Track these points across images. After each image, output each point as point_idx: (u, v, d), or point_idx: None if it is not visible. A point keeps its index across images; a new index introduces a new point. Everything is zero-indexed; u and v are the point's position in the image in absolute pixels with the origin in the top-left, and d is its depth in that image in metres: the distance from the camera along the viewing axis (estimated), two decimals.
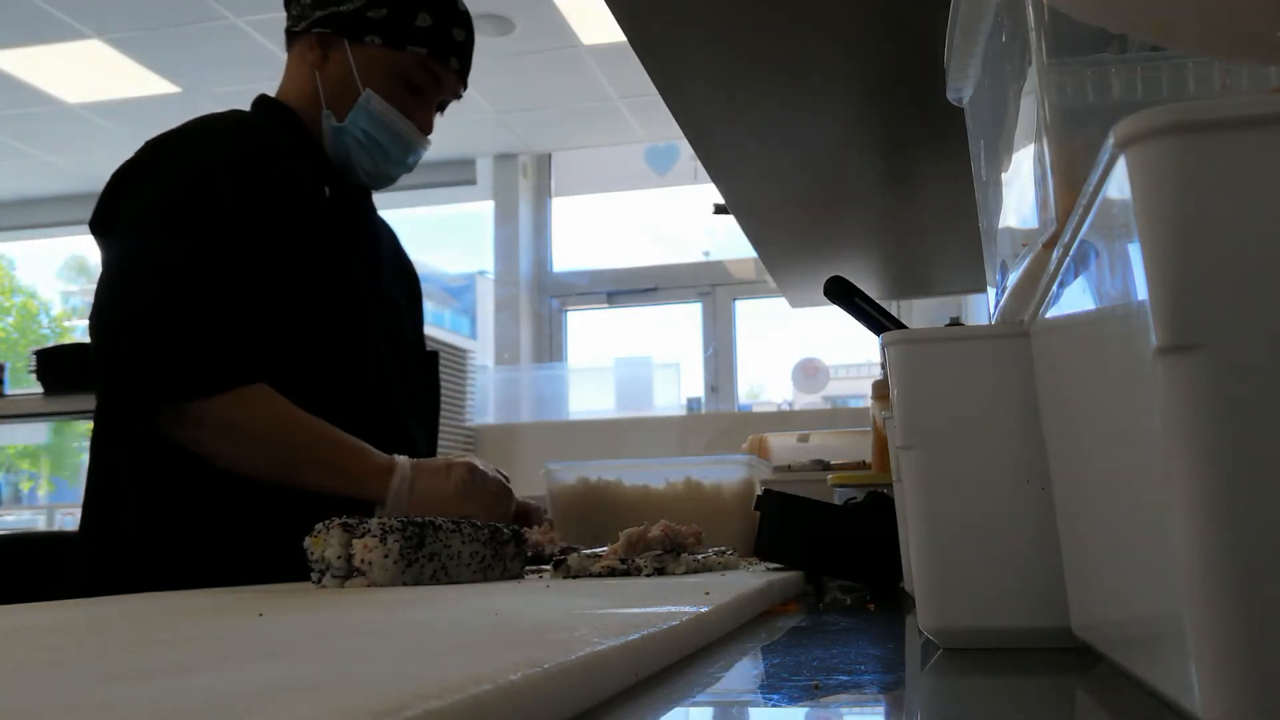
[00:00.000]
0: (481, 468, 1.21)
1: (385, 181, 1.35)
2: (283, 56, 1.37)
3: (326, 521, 0.82)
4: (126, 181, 1.18)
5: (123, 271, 1.13)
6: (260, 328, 1.13)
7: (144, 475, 1.16)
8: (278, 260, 1.16)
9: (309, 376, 1.16)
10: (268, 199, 1.18)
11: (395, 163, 1.32)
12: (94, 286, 1.15)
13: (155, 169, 1.17)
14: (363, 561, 0.80)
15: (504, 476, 1.26)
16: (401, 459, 1.17)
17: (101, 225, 1.18)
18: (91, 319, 1.11)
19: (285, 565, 0.95)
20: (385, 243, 1.41)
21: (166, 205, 1.13)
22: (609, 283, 5.24)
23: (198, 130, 1.22)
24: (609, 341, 5.46)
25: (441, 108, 1.36)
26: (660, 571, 0.93)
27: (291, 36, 1.32)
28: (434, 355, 1.49)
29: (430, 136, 1.35)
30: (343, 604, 0.63)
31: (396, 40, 1.27)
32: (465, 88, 1.37)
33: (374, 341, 1.28)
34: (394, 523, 0.82)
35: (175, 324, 1.07)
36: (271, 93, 1.34)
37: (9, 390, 3.29)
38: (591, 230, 5.69)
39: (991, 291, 0.70)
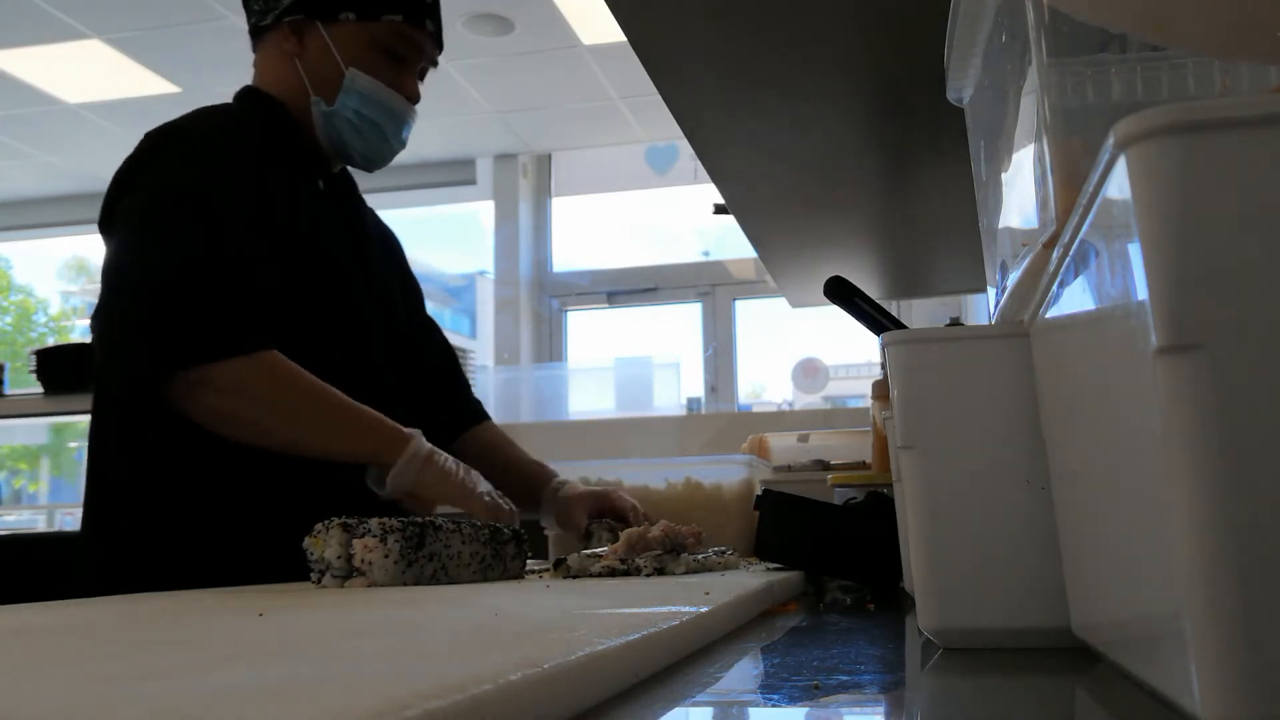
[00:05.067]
0: (488, 494, 1.20)
1: (380, 163, 1.34)
2: None
3: (326, 521, 0.82)
4: (130, 176, 1.17)
5: (132, 254, 1.12)
6: (268, 303, 1.13)
7: (143, 476, 1.16)
8: (277, 247, 1.16)
9: (299, 357, 1.15)
10: (267, 188, 1.18)
11: (389, 138, 1.30)
12: (95, 286, 1.15)
13: (158, 161, 1.16)
14: (363, 561, 0.80)
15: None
16: (418, 433, 1.15)
17: (107, 224, 1.18)
18: (100, 303, 1.11)
19: (285, 565, 0.95)
20: (374, 231, 1.41)
21: (172, 193, 1.13)
22: (609, 283, 5.24)
23: (197, 122, 1.21)
24: (609, 341, 5.46)
25: (421, 75, 1.34)
26: (660, 571, 0.93)
27: (258, 32, 1.30)
28: (431, 322, 1.50)
29: (416, 108, 1.33)
30: (343, 604, 0.63)
31: (371, 11, 1.25)
32: (440, 51, 1.35)
33: (365, 330, 1.28)
34: (394, 523, 0.82)
35: (187, 293, 1.07)
36: None
37: (9, 390, 3.29)
38: (592, 230, 5.69)
39: (991, 291, 0.70)
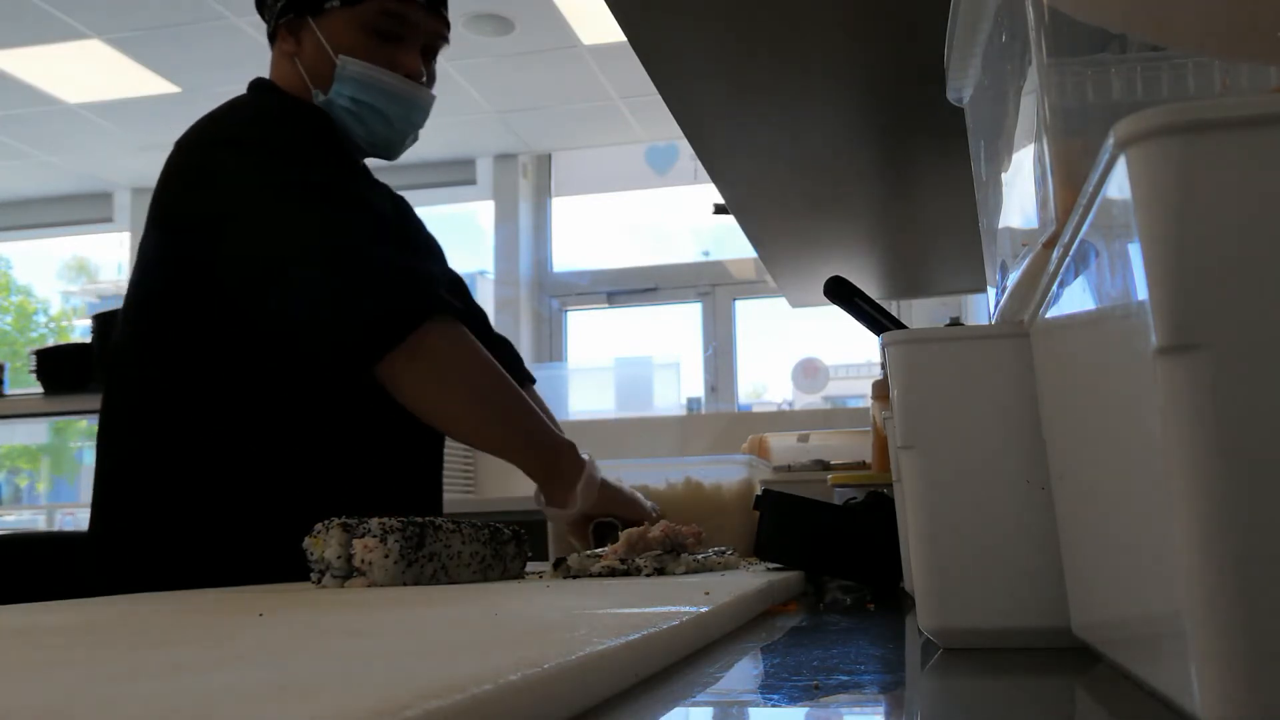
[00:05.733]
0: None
1: (392, 149, 1.31)
2: None
3: (326, 521, 0.82)
4: (202, 156, 1.16)
5: (296, 245, 1.09)
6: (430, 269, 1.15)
7: (147, 476, 1.16)
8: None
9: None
10: (349, 162, 1.21)
11: (394, 122, 1.27)
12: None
13: (251, 155, 1.15)
14: (363, 561, 0.80)
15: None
16: (588, 457, 1.18)
17: (184, 216, 1.15)
18: (277, 297, 1.08)
19: (285, 565, 0.95)
20: None
21: (300, 183, 1.11)
22: (609, 283, 5.24)
23: (270, 110, 1.22)
24: (609, 341, 5.46)
25: (431, 53, 1.30)
26: (660, 571, 0.93)
27: (271, 41, 1.30)
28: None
29: (434, 90, 1.30)
30: (343, 604, 0.63)
31: None
32: (448, 26, 1.31)
33: None
34: (394, 523, 0.82)
35: (373, 269, 1.06)
36: None
37: (9, 390, 3.29)
38: (592, 230, 5.69)
39: (991, 291, 0.70)
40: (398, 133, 1.28)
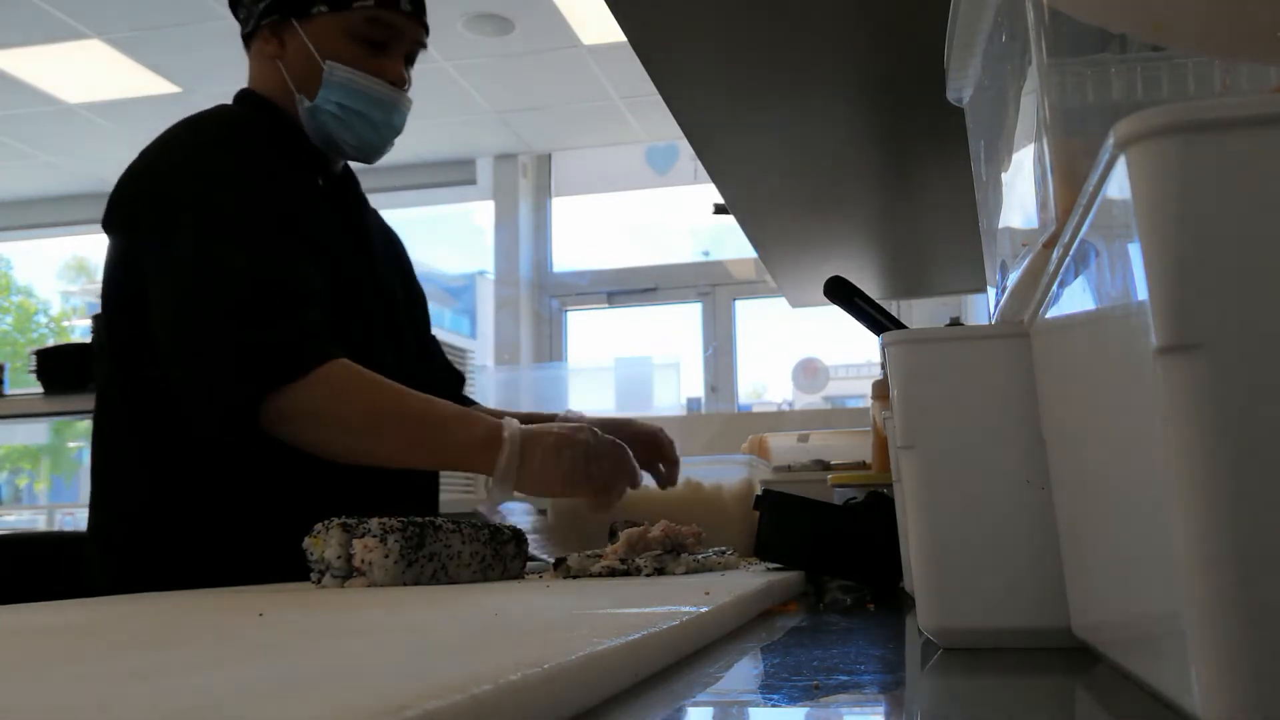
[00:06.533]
0: (594, 444, 1.12)
1: (374, 153, 1.31)
2: None
3: (326, 521, 0.82)
4: (148, 182, 1.16)
5: (188, 279, 1.09)
6: (322, 311, 1.11)
7: (146, 476, 1.16)
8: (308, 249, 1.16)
9: None
10: (282, 192, 1.18)
11: (379, 127, 1.28)
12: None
13: (181, 170, 1.16)
14: (363, 561, 0.80)
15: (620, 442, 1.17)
16: (513, 429, 1.09)
17: (124, 225, 1.16)
18: (165, 328, 1.09)
19: (285, 565, 0.95)
20: (377, 232, 1.39)
21: (210, 207, 1.11)
22: (609, 283, 5.24)
23: (211, 125, 1.21)
24: (609, 341, 5.46)
25: (410, 60, 1.32)
26: (660, 571, 0.93)
27: (247, 40, 1.30)
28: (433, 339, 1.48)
29: (410, 94, 1.31)
30: (343, 604, 0.63)
31: (341, 1, 1.24)
32: (427, 33, 1.32)
33: (374, 333, 1.26)
34: (394, 523, 0.82)
35: (246, 319, 1.05)
36: None
37: (9, 390, 3.29)
38: (592, 230, 5.69)
39: (991, 291, 0.70)
40: (381, 138, 1.29)
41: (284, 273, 1.09)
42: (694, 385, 4.94)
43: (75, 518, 5.85)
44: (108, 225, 1.19)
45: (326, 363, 1.06)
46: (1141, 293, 0.28)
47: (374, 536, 0.80)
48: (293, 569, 0.89)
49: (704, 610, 0.55)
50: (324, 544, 0.81)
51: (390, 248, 1.42)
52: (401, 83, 1.29)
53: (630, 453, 1.17)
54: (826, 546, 0.94)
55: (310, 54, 1.24)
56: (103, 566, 1.16)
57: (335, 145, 1.28)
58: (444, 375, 1.49)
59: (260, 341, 1.04)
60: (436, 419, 1.10)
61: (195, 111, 1.26)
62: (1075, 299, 0.41)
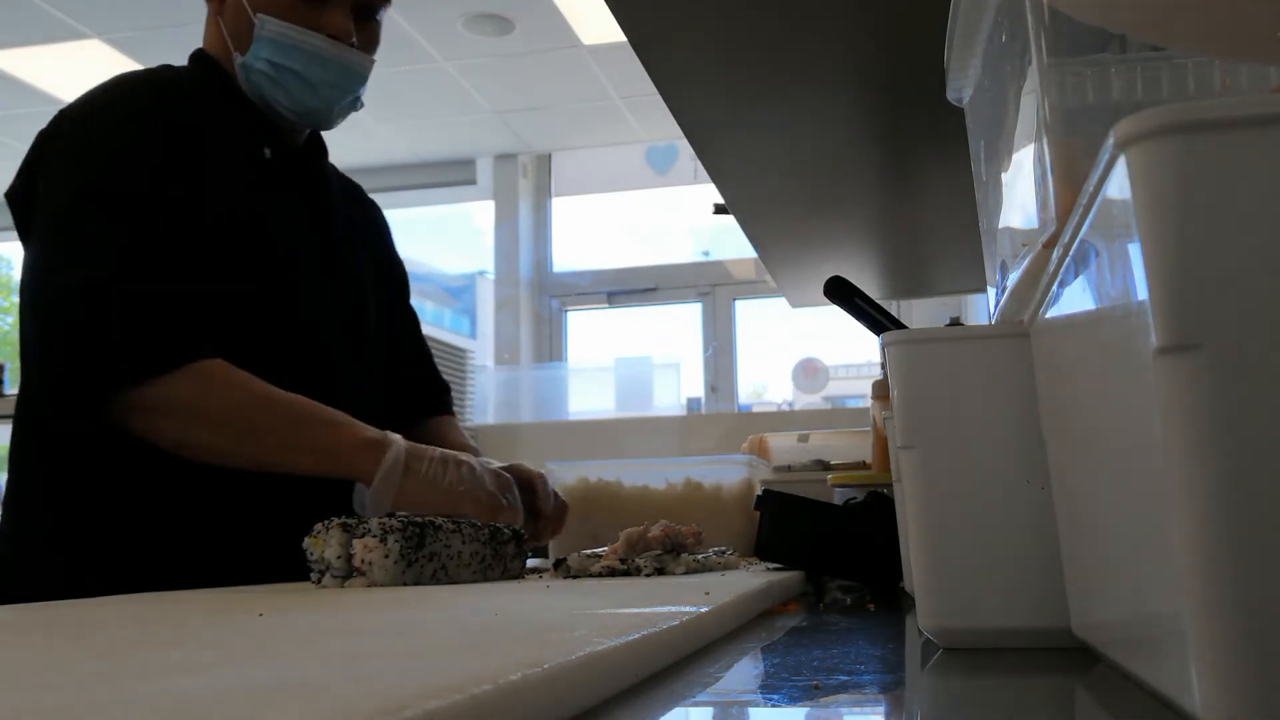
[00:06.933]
0: (480, 468, 1.10)
1: (318, 117, 1.21)
2: None
3: (326, 521, 0.82)
4: (38, 166, 1.09)
5: (36, 270, 1.04)
6: (203, 303, 1.04)
7: (144, 476, 1.15)
8: (206, 233, 1.08)
9: (241, 359, 1.05)
10: (193, 167, 1.09)
11: (320, 87, 1.17)
12: None
13: (61, 153, 1.08)
14: (363, 561, 0.80)
15: (510, 474, 1.14)
16: (396, 437, 1.05)
17: (22, 216, 1.10)
18: (23, 316, 1.04)
19: (285, 565, 0.94)
20: (343, 206, 1.30)
21: (86, 187, 1.04)
22: (609, 283, 5.24)
23: (109, 97, 1.11)
24: (609, 341, 5.46)
25: (369, 12, 1.20)
26: (660, 571, 0.93)
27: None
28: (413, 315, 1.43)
29: (372, 55, 1.20)
30: (343, 604, 0.63)
31: None
32: None
33: (318, 320, 1.19)
34: (394, 523, 0.82)
35: (99, 309, 0.98)
36: None
37: (9, 390, 3.29)
38: (592, 230, 5.69)
39: (991, 291, 0.70)
40: (323, 99, 1.18)
41: (159, 264, 1.02)
42: (694, 385, 4.94)
43: None
44: (10, 193, 1.12)
45: (195, 360, 1.00)
46: (1141, 293, 0.28)
47: (374, 536, 0.80)
48: (293, 569, 0.88)
49: (704, 610, 0.55)
50: (324, 544, 0.81)
51: (355, 222, 1.33)
52: (347, 37, 1.17)
53: (515, 485, 1.13)
54: (826, 546, 0.94)
55: (243, 8, 1.16)
56: (102, 567, 1.16)
57: (272, 107, 1.19)
58: (424, 386, 1.42)
59: (113, 334, 0.98)
60: (312, 418, 1.04)
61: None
62: (1075, 299, 0.41)
